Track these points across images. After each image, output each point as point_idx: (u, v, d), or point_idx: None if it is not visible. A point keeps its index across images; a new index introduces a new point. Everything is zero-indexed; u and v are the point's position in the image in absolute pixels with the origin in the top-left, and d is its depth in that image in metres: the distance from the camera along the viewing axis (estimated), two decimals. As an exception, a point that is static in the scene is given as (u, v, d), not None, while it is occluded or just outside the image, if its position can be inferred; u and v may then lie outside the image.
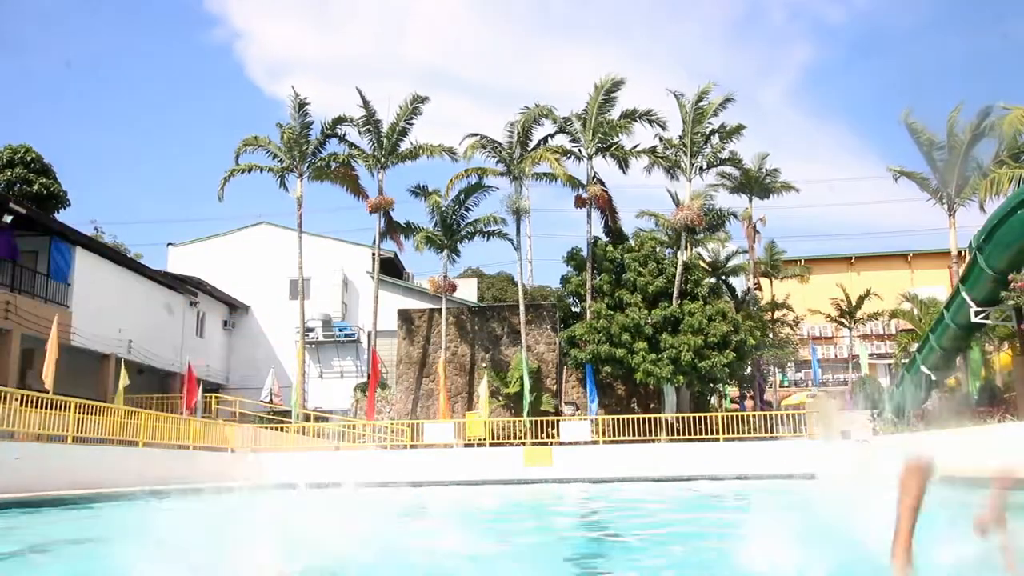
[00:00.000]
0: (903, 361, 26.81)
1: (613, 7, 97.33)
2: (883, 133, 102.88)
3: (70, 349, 22.18)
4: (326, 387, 32.25)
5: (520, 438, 24.13)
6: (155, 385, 28.33)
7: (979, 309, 17.51)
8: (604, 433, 23.74)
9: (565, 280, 30.04)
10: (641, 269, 27.26)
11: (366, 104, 30.09)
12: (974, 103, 26.54)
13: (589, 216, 29.05)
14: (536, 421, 24.30)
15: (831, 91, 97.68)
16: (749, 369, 31.36)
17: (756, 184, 32.55)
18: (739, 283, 35.75)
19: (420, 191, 29.81)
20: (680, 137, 28.69)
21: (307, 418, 27.52)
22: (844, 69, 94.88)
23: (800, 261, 43.77)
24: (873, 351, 45.57)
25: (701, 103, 28.17)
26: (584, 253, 29.13)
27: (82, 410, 16.55)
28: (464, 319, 30.16)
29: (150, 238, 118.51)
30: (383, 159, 30.52)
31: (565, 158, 29.05)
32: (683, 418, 24.08)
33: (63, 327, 20.41)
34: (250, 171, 30.15)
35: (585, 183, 28.96)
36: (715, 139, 28.76)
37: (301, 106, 30.19)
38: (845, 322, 43.63)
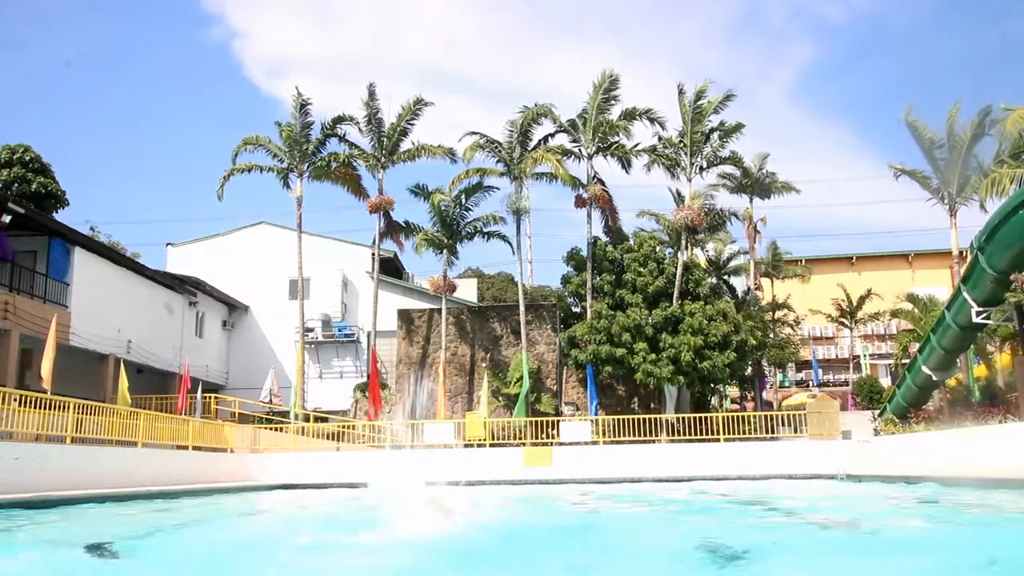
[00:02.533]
0: (904, 361, 26.75)
1: (613, 6, 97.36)
2: (883, 132, 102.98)
3: (69, 349, 22.13)
4: (325, 387, 32.20)
5: (520, 438, 24.07)
6: (154, 385, 28.27)
7: (980, 309, 17.45)
8: (604, 433, 23.68)
9: (565, 280, 29.99)
10: (641, 269, 27.20)
11: (372, 101, 30.02)
12: (974, 102, 26.50)
13: (589, 216, 29.02)
14: (536, 421, 24.24)
15: (831, 90, 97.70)
16: (750, 369, 31.31)
17: (757, 184, 32.50)
18: (740, 283, 35.71)
19: (420, 191, 29.76)
20: (680, 135, 28.65)
21: (307, 418, 27.46)
22: (844, 68, 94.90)
23: (801, 261, 43.73)
24: (874, 351, 45.54)
25: (700, 101, 28.13)
26: (584, 253, 29.08)
27: (81, 410, 16.49)
28: (464, 319, 30.11)
29: (149, 238, 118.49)
30: (383, 159, 30.47)
31: (565, 158, 29.01)
32: (683, 418, 24.02)
33: (62, 327, 20.36)
34: (250, 171, 30.11)
35: (585, 183, 28.91)
36: (714, 138, 28.74)
37: (303, 106, 30.14)
38: (846, 322, 43.62)
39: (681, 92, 28.37)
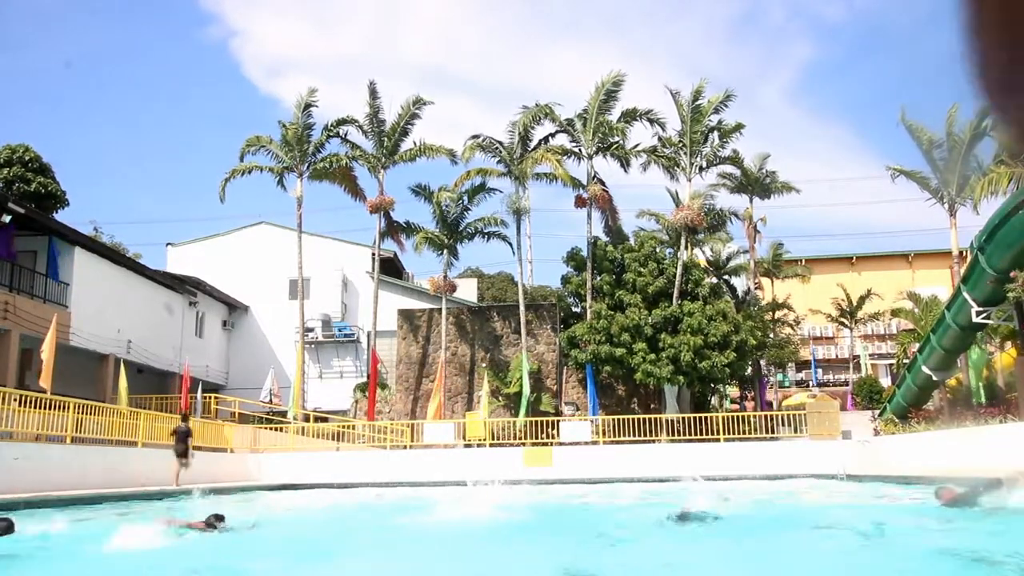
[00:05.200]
0: (905, 361, 26.75)
1: (613, 6, 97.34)
2: (883, 132, 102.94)
3: (69, 349, 22.13)
4: (325, 387, 32.19)
5: (520, 438, 24.08)
6: (154, 385, 28.26)
7: (980, 309, 17.45)
8: (604, 433, 23.68)
9: (565, 280, 30.00)
10: (641, 269, 27.21)
11: (373, 100, 30.02)
12: (974, 102, 26.32)
13: (589, 216, 29.01)
14: (536, 421, 24.25)
15: (831, 90, 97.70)
16: (750, 370, 31.31)
17: (756, 184, 32.49)
18: (740, 283, 35.69)
19: (422, 191, 29.77)
20: (679, 136, 28.65)
21: (307, 418, 27.46)
22: (843, 67, 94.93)
23: (801, 261, 43.67)
24: (874, 351, 45.52)
25: (698, 102, 28.11)
26: (584, 253, 29.08)
27: (81, 410, 16.50)
28: (464, 319, 30.11)
29: (149, 238, 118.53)
30: (384, 159, 30.47)
31: (565, 158, 29.01)
32: (683, 418, 24.02)
33: (62, 327, 20.36)
34: (250, 171, 30.09)
35: (585, 183, 28.90)
36: (714, 137, 28.73)
37: (306, 107, 30.11)
38: (846, 322, 43.57)
39: (675, 95, 28.31)
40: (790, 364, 43.28)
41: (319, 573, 6.93)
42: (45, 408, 15.72)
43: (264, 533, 8.90)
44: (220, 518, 8.32)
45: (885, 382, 39.09)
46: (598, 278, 28.24)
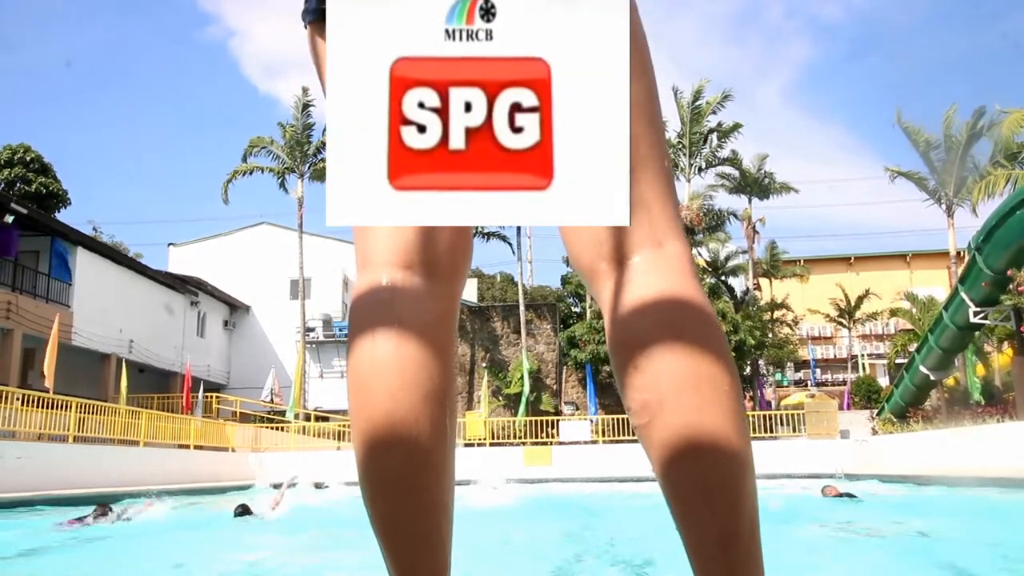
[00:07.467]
0: (899, 361, 26.89)
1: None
2: (882, 131, 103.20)
3: (71, 349, 22.23)
4: (326, 387, 32.29)
5: (520, 438, 24.20)
6: (156, 385, 28.37)
7: (978, 309, 17.58)
8: (604, 433, 23.79)
9: (565, 280, 30.15)
10: (641, 269, 27.34)
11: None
12: (972, 102, 26.60)
13: (589, 216, 29.11)
14: (536, 421, 24.36)
15: (829, 90, 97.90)
16: (748, 369, 31.41)
17: (755, 184, 32.62)
18: (738, 283, 35.81)
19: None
20: (679, 137, 28.77)
21: (308, 418, 27.56)
22: (842, 67, 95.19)
23: (799, 261, 43.78)
24: (872, 351, 45.64)
25: (698, 102, 28.24)
26: (584, 253, 29.19)
27: (83, 410, 16.61)
28: (464, 319, 30.22)
29: (150, 238, 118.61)
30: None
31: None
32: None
33: (64, 327, 20.45)
34: (251, 172, 30.20)
35: (585, 183, 29.02)
36: (713, 138, 28.88)
37: (304, 107, 30.23)
38: (844, 322, 43.70)
39: (676, 94, 28.46)
40: (788, 364, 43.40)
41: (316, 571, 7.05)
42: (47, 407, 15.82)
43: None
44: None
45: (883, 382, 39.18)
46: (598, 278, 28.36)
